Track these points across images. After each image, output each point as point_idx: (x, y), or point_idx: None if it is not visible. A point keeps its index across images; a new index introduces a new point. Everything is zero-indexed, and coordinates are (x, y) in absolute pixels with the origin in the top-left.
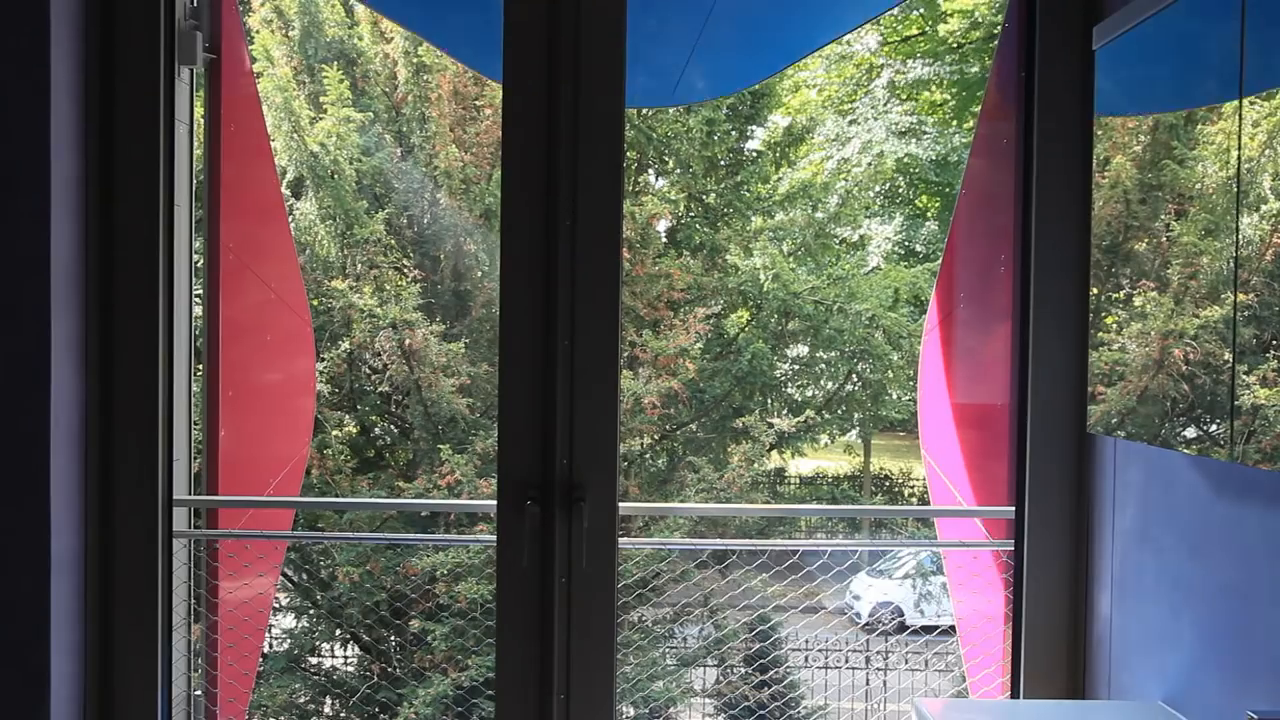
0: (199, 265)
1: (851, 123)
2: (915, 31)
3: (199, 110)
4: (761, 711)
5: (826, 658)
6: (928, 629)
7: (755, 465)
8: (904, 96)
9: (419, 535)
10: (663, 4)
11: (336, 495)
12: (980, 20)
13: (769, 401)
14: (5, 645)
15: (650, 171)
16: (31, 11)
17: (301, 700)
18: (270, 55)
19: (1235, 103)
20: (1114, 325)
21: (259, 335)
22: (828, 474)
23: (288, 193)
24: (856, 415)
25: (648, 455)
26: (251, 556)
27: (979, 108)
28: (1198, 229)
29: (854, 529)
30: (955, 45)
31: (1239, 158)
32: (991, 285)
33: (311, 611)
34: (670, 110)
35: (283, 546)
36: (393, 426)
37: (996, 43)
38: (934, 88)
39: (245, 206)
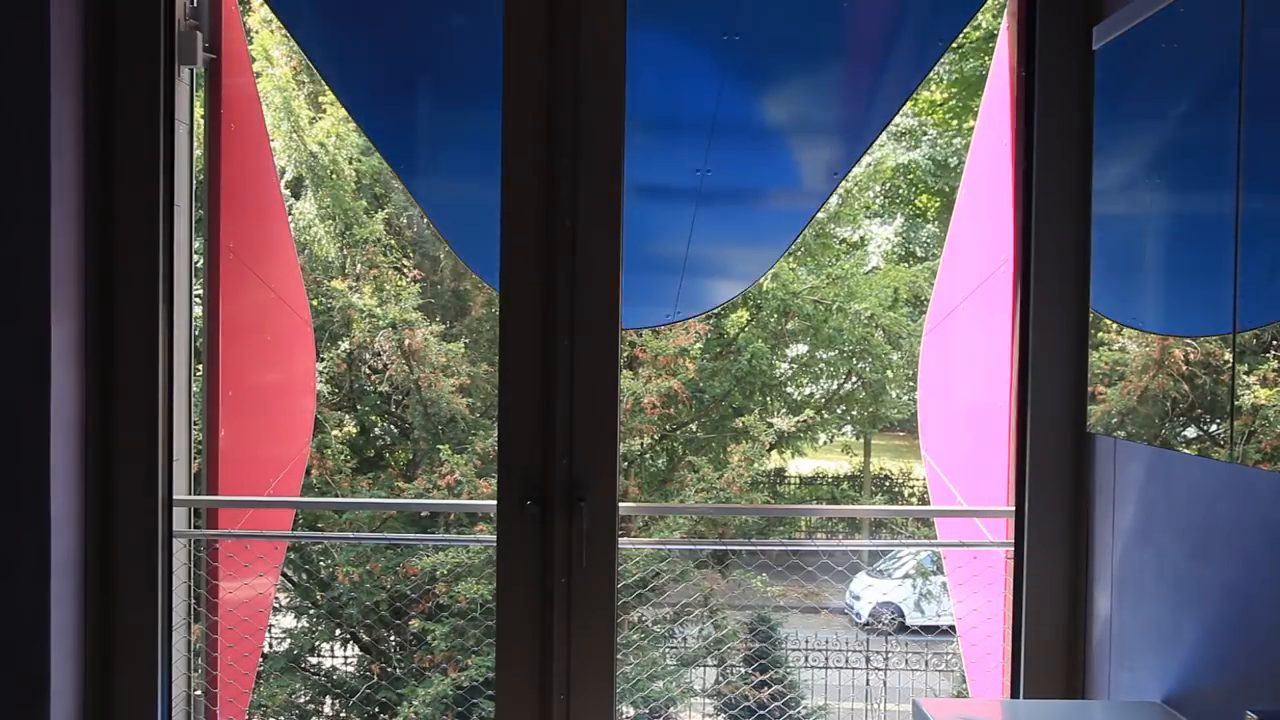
0: (199, 265)
1: None
2: None
3: (199, 110)
4: (761, 711)
5: (826, 658)
6: (928, 629)
7: (755, 465)
8: None
9: (419, 535)
10: (649, 251)
11: (336, 495)
12: (980, 21)
13: (769, 401)
14: (5, 646)
15: None
16: (32, 12)
17: (301, 700)
18: (270, 55)
19: (1236, 103)
20: (1114, 325)
21: (259, 335)
22: (828, 474)
23: (287, 193)
24: (854, 413)
25: (648, 455)
26: (251, 556)
27: (979, 107)
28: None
29: (854, 529)
30: (955, 45)
31: (1239, 150)
32: (992, 285)
33: (311, 611)
34: None
35: (283, 546)
36: (393, 426)
37: (996, 43)
38: (933, 87)
39: (245, 206)
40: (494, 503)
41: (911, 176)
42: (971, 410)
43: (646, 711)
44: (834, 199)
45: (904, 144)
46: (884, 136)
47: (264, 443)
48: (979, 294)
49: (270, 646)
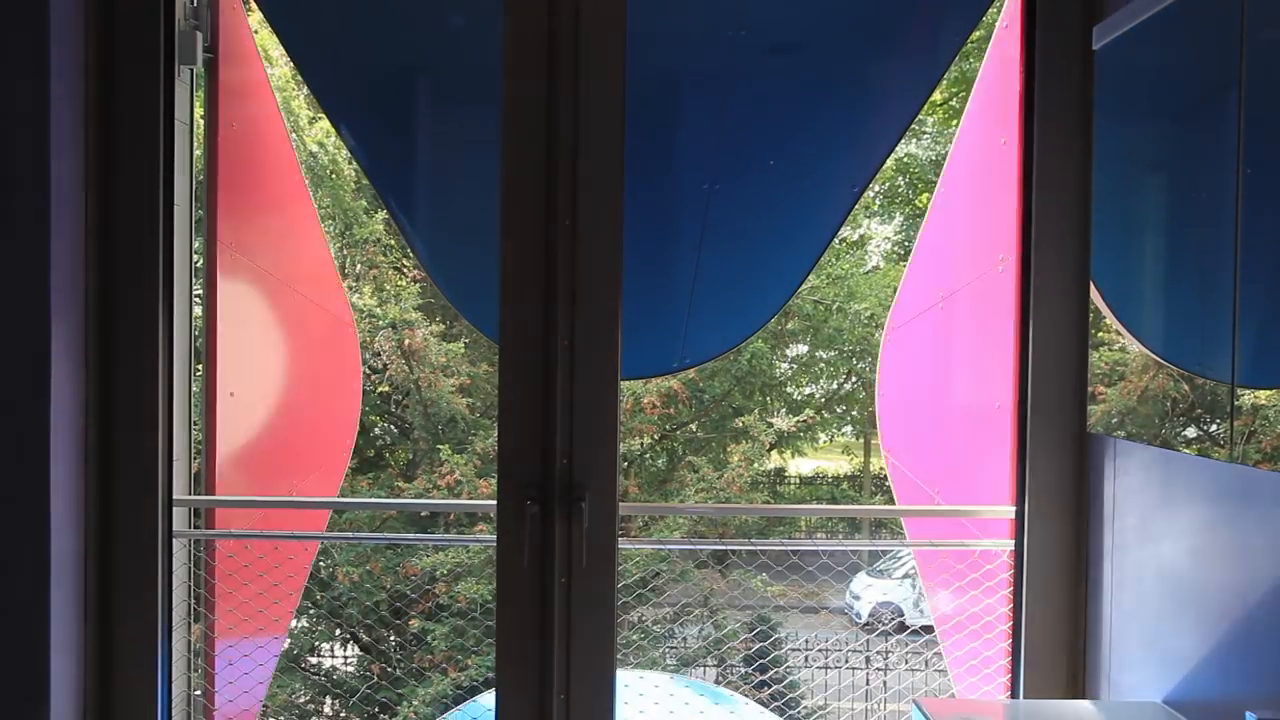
0: (198, 265)
1: None
2: None
3: (207, 109)
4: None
5: (826, 658)
6: (927, 629)
7: (755, 465)
8: None
9: (419, 535)
10: (652, 299)
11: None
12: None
13: (769, 401)
14: (5, 645)
15: None
16: (32, 12)
17: (301, 700)
18: (269, 55)
19: (1236, 103)
20: (1114, 325)
21: (301, 335)
22: (828, 474)
23: None
24: (854, 413)
25: (648, 455)
26: (281, 557)
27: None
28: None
29: (854, 529)
30: None
31: (1239, 154)
32: (969, 284)
33: (311, 611)
34: None
35: (313, 547)
36: (393, 426)
37: (990, 42)
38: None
39: (258, 204)
40: (494, 503)
41: (911, 175)
42: (946, 409)
43: None
44: None
45: (903, 143)
46: None
47: (308, 441)
48: (956, 295)
49: None
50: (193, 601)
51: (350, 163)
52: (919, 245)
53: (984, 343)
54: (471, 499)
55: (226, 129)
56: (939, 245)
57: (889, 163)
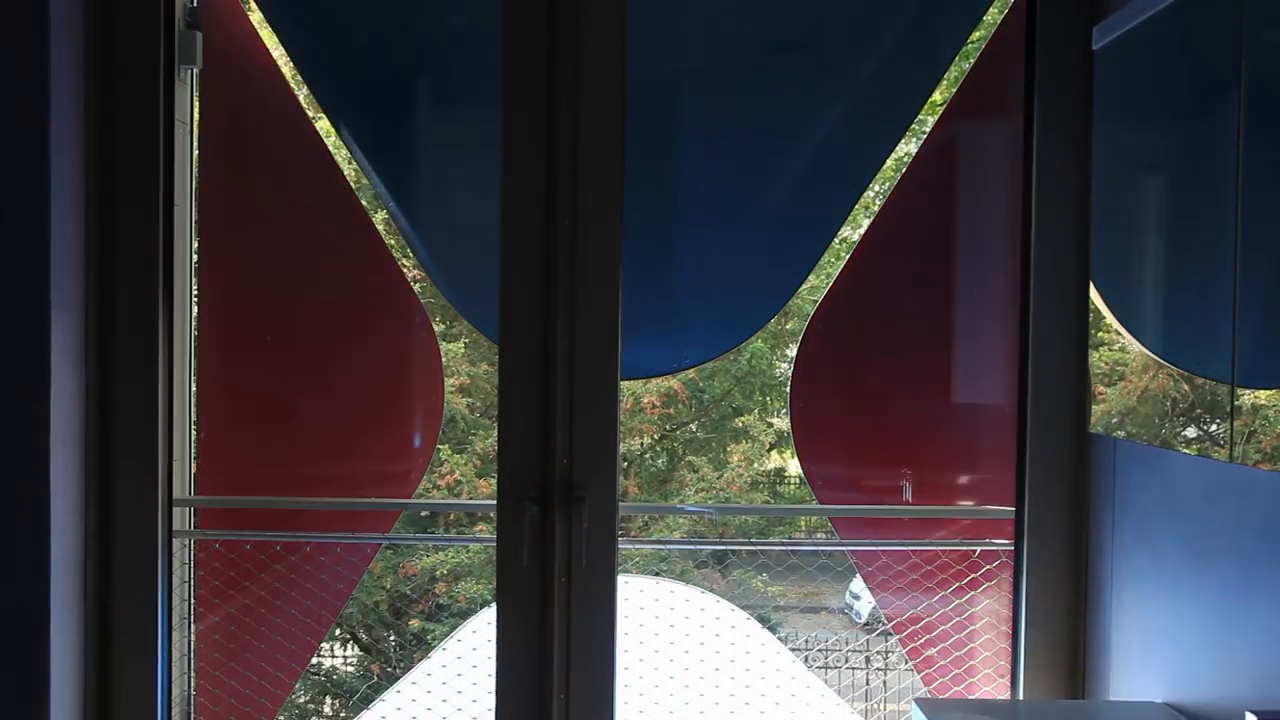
0: (198, 266)
1: None
2: None
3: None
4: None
5: (826, 658)
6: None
7: (755, 465)
8: None
9: (419, 535)
10: (652, 299)
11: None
12: (988, 20)
13: (769, 401)
14: (5, 645)
15: None
16: (32, 12)
17: (301, 700)
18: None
19: (1236, 104)
20: (1114, 325)
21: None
22: None
23: None
24: None
25: (648, 455)
26: (342, 560)
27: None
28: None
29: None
30: None
31: (1239, 154)
32: (944, 282)
33: None
34: None
35: (374, 548)
36: None
37: (985, 42)
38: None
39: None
40: (494, 503)
41: None
42: (914, 409)
43: None
44: None
45: (903, 143)
46: None
47: (394, 441)
48: (924, 293)
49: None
50: (193, 601)
51: (350, 163)
52: (866, 240)
53: (968, 342)
54: (471, 499)
55: (219, 126)
56: (895, 240)
57: (889, 163)
